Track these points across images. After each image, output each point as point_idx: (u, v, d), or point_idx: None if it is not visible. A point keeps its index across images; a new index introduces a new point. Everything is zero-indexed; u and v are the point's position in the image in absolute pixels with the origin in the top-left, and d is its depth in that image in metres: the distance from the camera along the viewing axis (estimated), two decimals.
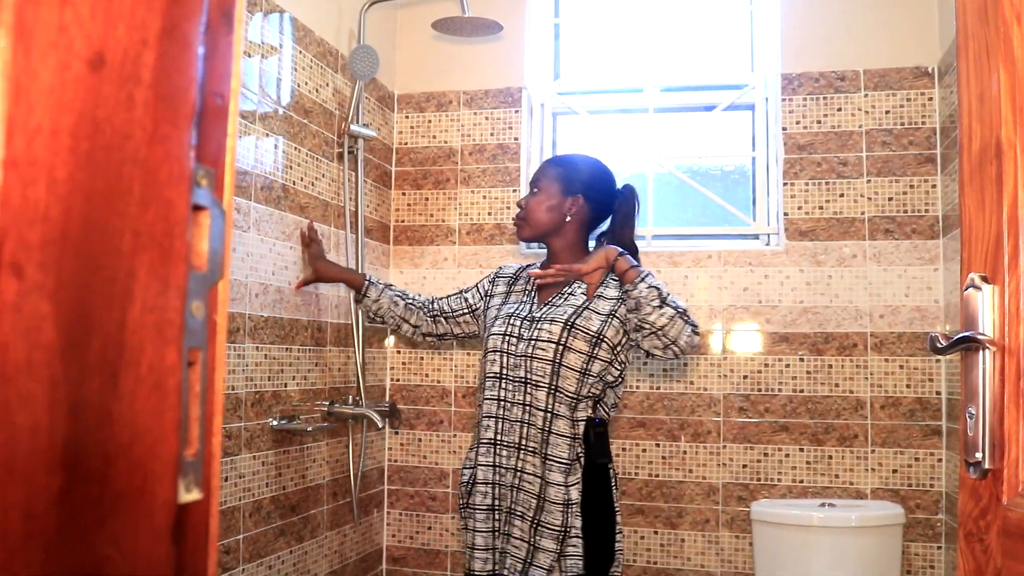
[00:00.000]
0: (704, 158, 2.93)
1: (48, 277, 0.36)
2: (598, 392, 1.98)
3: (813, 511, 2.42)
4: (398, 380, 2.90)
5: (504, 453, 1.97)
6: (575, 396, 1.94)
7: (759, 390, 2.64)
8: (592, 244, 2.15)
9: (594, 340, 1.95)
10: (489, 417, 2.00)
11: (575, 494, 1.91)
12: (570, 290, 2.04)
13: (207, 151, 0.48)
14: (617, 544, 1.96)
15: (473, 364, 2.85)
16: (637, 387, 2.72)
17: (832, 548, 2.38)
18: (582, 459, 1.94)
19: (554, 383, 1.94)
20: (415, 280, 2.91)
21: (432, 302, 2.25)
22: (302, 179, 2.32)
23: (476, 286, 2.24)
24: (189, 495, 0.46)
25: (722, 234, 2.81)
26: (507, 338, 2.01)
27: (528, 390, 1.96)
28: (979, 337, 1.06)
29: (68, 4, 0.37)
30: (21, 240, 0.35)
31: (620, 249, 1.99)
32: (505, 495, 1.96)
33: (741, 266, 2.68)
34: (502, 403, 1.99)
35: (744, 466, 2.63)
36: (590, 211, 2.10)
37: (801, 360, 2.62)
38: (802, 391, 2.61)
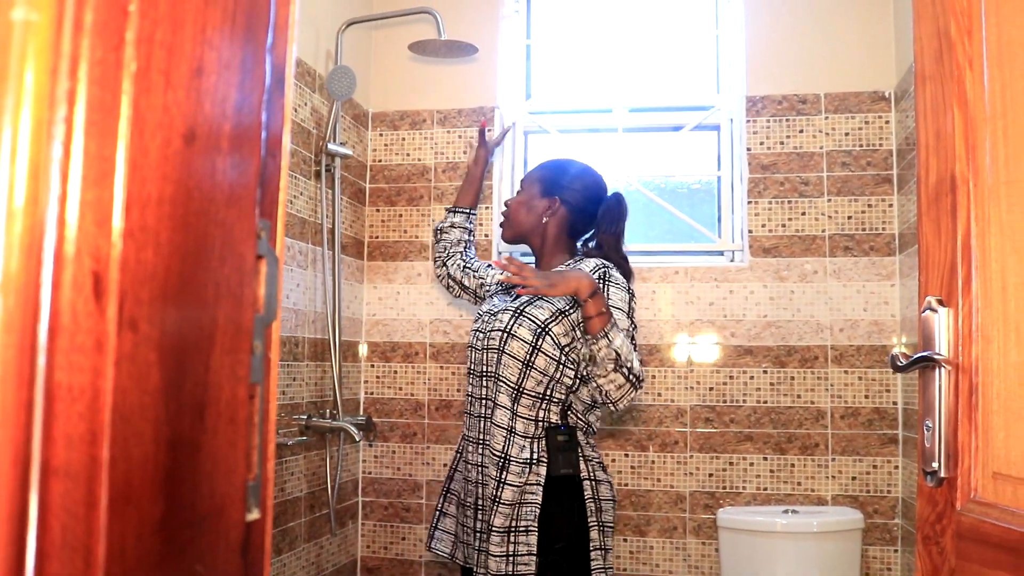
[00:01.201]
0: (671, 177, 3.02)
1: (155, 329, 0.41)
2: (560, 395, 1.93)
3: (777, 518, 2.51)
4: (372, 393, 2.94)
5: (470, 448, 2.01)
6: (516, 388, 1.91)
7: (724, 401, 2.72)
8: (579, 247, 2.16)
9: (539, 330, 1.91)
10: (465, 413, 2.07)
11: (508, 494, 1.85)
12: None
13: (265, 205, 0.53)
14: (595, 563, 1.89)
15: (446, 378, 2.90)
16: None
17: (795, 553, 2.47)
18: (536, 466, 1.89)
19: (497, 371, 1.94)
20: (388, 295, 2.96)
21: (474, 260, 2.32)
22: None
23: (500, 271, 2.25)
24: (252, 515, 0.51)
25: (688, 251, 2.90)
26: (476, 333, 2.05)
27: (484, 383, 1.99)
28: (935, 357, 1.14)
29: (170, 87, 0.42)
30: (136, 298, 0.40)
31: (597, 287, 1.85)
32: (472, 491, 1.99)
33: (707, 282, 2.77)
34: (470, 399, 2.05)
35: (710, 475, 2.71)
36: (569, 214, 2.10)
37: (764, 372, 2.71)
38: (766, 402, 2.70)
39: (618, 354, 1.80)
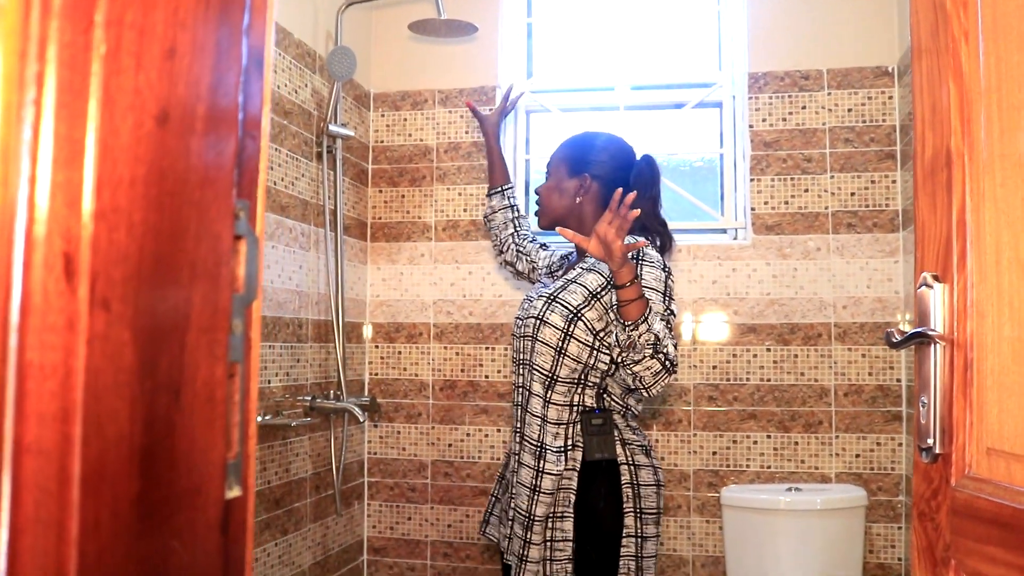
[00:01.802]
0: (674, 155, 3.00)
1: (128, 308, 0.42)
2: (595, 379, 1.88)
3: (780, 495, 2.52)
4: (377, 374, 2.95)
5: (514, 437, 1.98)
6: (550, 375, 1.88)
7: (728, 380, 2.73)
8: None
9: (571, 316, 1.86)
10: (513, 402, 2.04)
11: (548, 483, 1.83)
12: (581, 265, 1.98)
13: (243, 185, 0.54)
14: (625, 550, 1.84)
15: (449, 358, 2.91)
16: None
17: (798, 531, 2.48)
18: (572, 451, 1.86)
19: (531, 359, 1.90)
20: (392, 276, 2.96)
21: (527, 239, 2.28)
22: (283, 179, 2.36)
23: (551, 253, 2.23)
24: (232, 492, 0.52)
25: (691, 229, 2.89)
26: (516, 320, 2.02)
27: (520, 370, 1.96)
28: (930, 333, 1.14)
29: (141, 69, 0.43)
30: (108, 278, 0.40)
31: (636, 274, 1.75)
32: (510, 480, 1.98)
33: (710, 260, 2.77)
34: (514, 387, 2.01)
35: (714, 453, 2.72)
36: (601, 188, 2.01)
37: (768, 350, 2.71)
38: (769, 380, 2.70)
39: (657, 339, 1.73)
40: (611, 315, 1.85)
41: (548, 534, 1.83)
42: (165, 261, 0.45)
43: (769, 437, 2.70)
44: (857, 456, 2.65)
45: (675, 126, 2.99)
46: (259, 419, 2.20)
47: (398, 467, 2.92)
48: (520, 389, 1.96)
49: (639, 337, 1.71)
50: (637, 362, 1.73)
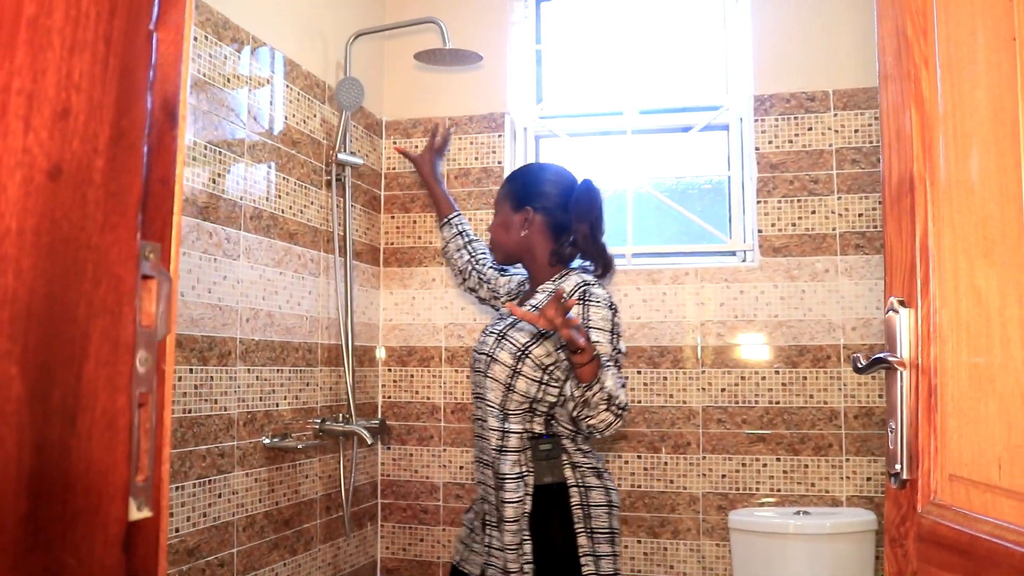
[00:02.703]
0: (681, 178, 3.02)
1: (16, 346, 0.46)
2: (543, 409, 1.94)
3: (789, 519, 2.50)
4: (389, 397, 3.00)
5: (480, 467, 2.07)
6: (501, 409, 1.94)
7: (736, 402, 2.73)
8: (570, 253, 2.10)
9: (519, 354, 1.92)
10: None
11: (510, 511, 1.88)
12: (531, 302, 2.05)
13: (153, 228, 0.58)
14: (585, 569, 1.88)
15: (460, 381, 2.94)
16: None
17: (808, 555, 2.47)
18: (527, 476, 1.92)
19: (483, 394, 1.99)
20: (404, 300, 3.02)
21: (487, 265, 2.35)
22: (291, 207, 2.43)
23: (510, 279, 2.30)
24: (140, 513, 0.56)
25: (699, 251, 2.91)
26: (473, 354, 2.10)
27: (478, 403, 2.05)
28: (890, 359, 1.15)
29: (31, 130, 0.47)
30: None
31: (588, 336, 1.80)
32: (484, 510, 2.04)
33: (717, 282, 2.78)
34: (474, 419, 2.10)
35: (723, 476, 2.72)
36: (546, 219, 2.06)
37: (777, 372, 2.71)
38: (778, 403, 2.70)
39: (610, 396, 1.79)
40: (560, 353, 1.91)
41: (519, 563, 1.89)
42: (58, 301, 0.49)
43: (779, 460, 2.69)
44: (868, 479, 2.63)
45: (683, 149, 3.01)
46: (267, 441, 2.26)
47: (411, 489, 2.96)
48: (478, 422, 2.04)
49: (592, 396, 1.79)
50: (592, 417, 1.81)
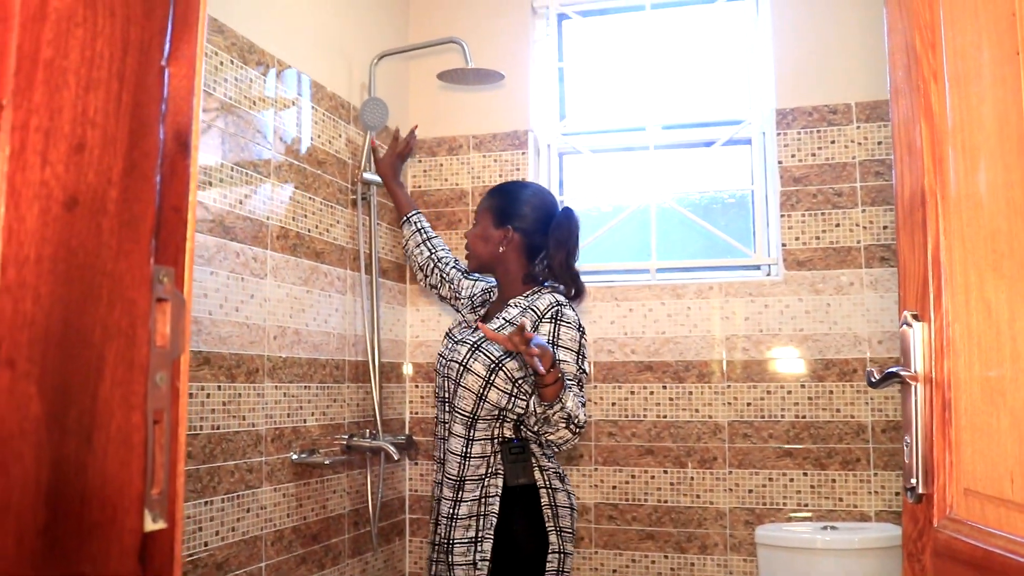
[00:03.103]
0: (704, 193, 3.03)
1: (34, 367, 0.49)
2: (513, 416, 2.03)
3: (817, 534, 2.49)
4: (416, 413, 3.03)
5: (436, 467, 2.16)
6: (471, 416, 2.03)
7: (762, 417, 2.72)
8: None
9: (493, 366, 2.01)
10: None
11: (464, 509, 2.00)
12: (498, 315, 2.13)
13: (167, 253, 0.61)
14: (550, 566, 2.00)
15: None
16: (644, 415, 2.81)
17: (836, 570, 2.45)
18: (493, 478, 2.01)
19: (453, 401, 2.07)
20: (430, 317, 3.05)
21: (449, 265, 2.43)
22: (317, 226, 2.47)
23: (474, 283, 2.37)
24: (156, 525, 0.59)
25: (723, 266, 2.91)
26: (439, 358, 2.18)
27: (444, 408, 2.12)
28: (902, 373, 1.15)
29: (48, 164, 0.51)
30: (14, 341, 0.48)
31: (554, 359, 1.88)
32: (433, 507, 2.15)
33: (742, 296, 2.78)
34: (436, 420, 2.19)
35: (750, 491, 2.70)
36: (524, 240, 2.16)
37: (802, 387, 2.69)
38: (804, 417, 2.68)
39: (570, 415, 1.92)
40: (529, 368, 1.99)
41: (474, 556, 1.98)
42: (74, 325, 0.52)
43: (806, 475, 2.67)
44: (896, 494, 2.60)
45: (705, 164, 3.02)
46: (295, 457, 2.29)
47: None
48: (443, 425, 2.12)
49: (553, 415, 1.91)
50: (551, 433, 1.95)
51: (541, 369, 1.81)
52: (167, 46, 0.61)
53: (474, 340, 2.07)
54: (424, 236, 2.49)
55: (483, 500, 2.00)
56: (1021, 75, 0.96)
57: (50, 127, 0.50)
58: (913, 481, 1.18)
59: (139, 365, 0.57)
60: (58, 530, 0.51)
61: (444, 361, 2.15)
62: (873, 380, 1.21)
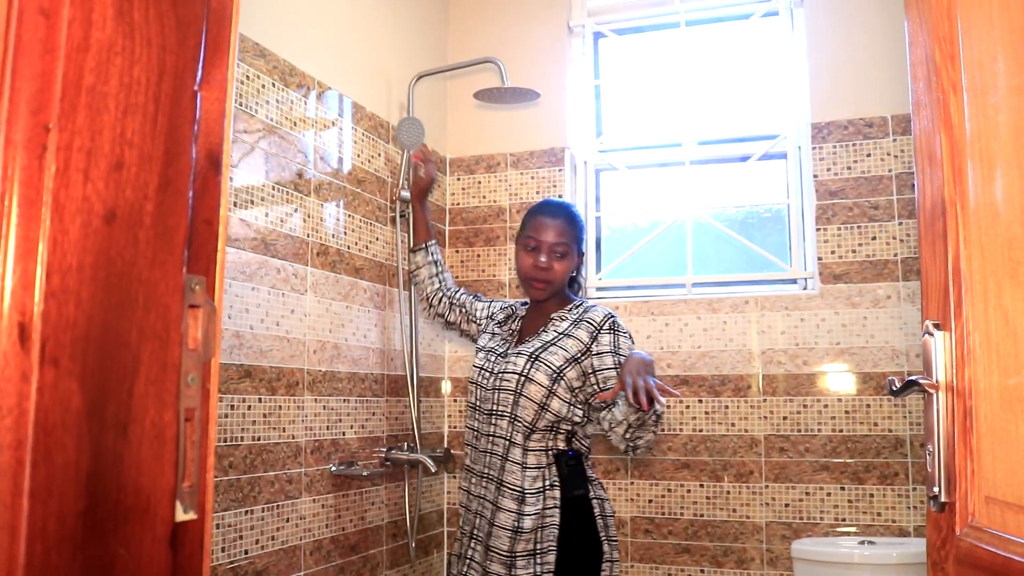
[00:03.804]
0: (740, 207, 3.04)
1: (76, 365, 0.54)
2: (567, 427, 2.09)
3: (854, 549, 2.46)
4: (455, 427, 3.07)
5: (473, 480, 2.16)
6: (531, 427, 2.07)
7: (799, 431, 2.71)
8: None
9: (555, 375, 2.06)
10: (467, 445, 2.21)
11: (528, 523, 2.01)
12: (544, 328, 2.17)
13: (199, 263, 0.66)
14: (604, 574, 2.06)
15: None
16: (680, 429, 2.82)
17: None
18: (551, 490, 2.05)
19: (513, 412, 2.08)
20: None
21: (458, 293, 2.49)
22: (356, 243, 2.54)
23: (489, 304, 2.43)
24: (186, 515, 0.64)
25: (759, 280, 2.91)
26: (481, 372, 2.19)
27: (493, 420, 2.13)
28: (921, 381, 1.16)
29: (89, 181, 0.56)
30: (57, 342, 0.53)
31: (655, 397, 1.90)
32: (470, 520, 2.15)
33: (778, 310, 2.77)
34: (474, 432, 2.19)
35: (786, 505, 2.69)
36: (578, 262, 2.27)
37: (839, 400, 2.68)
38: (842, 431, 2.67)
39: (658, 416, 1.96)
40: (588, 378, 2.08)
41: (537, 569, 2.00)
42: (112, 328, 0.57)
43: (843, 489, 2.65)
44: None
45: (741, 178, 3.03)
46: (334, 468, 2.34)
47: None
48: (496, 439, 2.12)
49: (649, 418, 1.94)
50: (642, 437, 1.97)
51: (662, 401, 1.85)
52: (199, 72, 0.67)
53: (531, 352, 2.11)
54: (439, 268, 2.55)
55: (544, 512, 2.03)
56: None
57: (91, 147, 0.56)
58: (936, 490, 1.18)
59: (172, 366, 0.62)
60: (96, 514, 0.56)
61: (490, 375, 2.16)
62: (894, 389, 1.22)
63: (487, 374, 2.18)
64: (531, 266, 2.17)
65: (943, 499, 1.17)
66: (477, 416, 2.19)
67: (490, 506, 2.08)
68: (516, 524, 2.02)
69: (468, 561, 2.12)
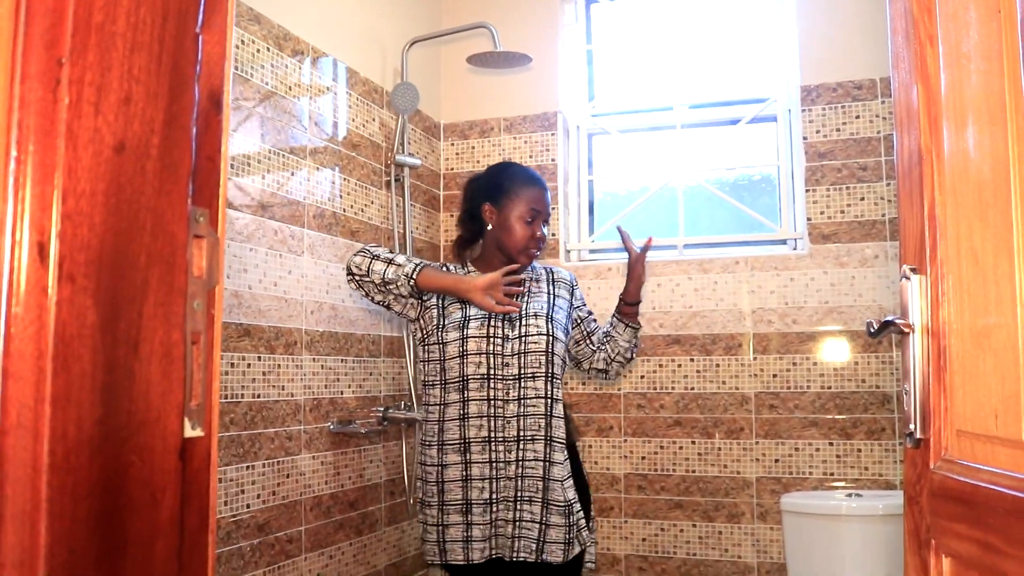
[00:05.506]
0: (731, 170, 3.07)
1: (90, 282, 0.59)
2: (585, 367, 2.34)
3: (841, 501, 2.53)
4: None
5: (501, 448, 2.06)
6: (559, 379, 2.15)
7: (788, 388, 2.76)
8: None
9: (564, 329, 2.20)
10: (480, 417, 2.07)
11: (562, 471, 2.08)
12: (530, 291, 2.20)
13: (203, 196, 0.70)
14: (591, 514, 2.18)
15: None
16: (673, 388, 2.87)
17: (861, 537, 2.49)
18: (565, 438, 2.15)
19: (550, 371, 2.11)
20: None
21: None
22: (352, 206, 2.57)
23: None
24: (194, 432, 0.68)
25: (749, 240, 2.95)
26: (491, 340, 2.08)
27: (523, 384, 2.07)
28: (897, 321, 1.21)
29: (100, 113, 0.60)
30: (73, 261, 0.57)
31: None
32: (507, 487, 2.05)
33: (768, 270, 2.82)
34: (493, 403, 2.07)
35: (776, 461, 2.75)
36: None
37: (827, 358, 2.73)
38: (830, 387, 2.72)
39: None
40: (582, 325, 2.31)
41: (577, 516, 2.08)
42: (123, 250, 0.61)
43: (831, 444, 2.71)
44: None
45: (732, 141, 3.06)
46: (332, 427, 2.40)
47: None
48: (534, 400, 2.06)
49: (635, 336, 2.30)
50: (629, 360, 2.33)
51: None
52: (200, 16, 0.70)
53: (545, 312, 2.15)
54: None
55: (567, 461, 2.12)
56: (1002, 33, 1.01)
57: (101, 82, 0.60)
58: (912, 427, 1.23)
59: (178, 289, 0.66)
60: (111, 423, 0.60)
61: (513, 338, 2.10)
62: (872, 330, 1.27)
63: (499, 340, 2.09)
64: (530, 237, 2.15)
65: (919, 435, 1.22)
66: (495, 385, 2.07)
67: (541, 464, 2.05)
68: (564, 473, 2.08)
69: (515, 524, 2.05)
